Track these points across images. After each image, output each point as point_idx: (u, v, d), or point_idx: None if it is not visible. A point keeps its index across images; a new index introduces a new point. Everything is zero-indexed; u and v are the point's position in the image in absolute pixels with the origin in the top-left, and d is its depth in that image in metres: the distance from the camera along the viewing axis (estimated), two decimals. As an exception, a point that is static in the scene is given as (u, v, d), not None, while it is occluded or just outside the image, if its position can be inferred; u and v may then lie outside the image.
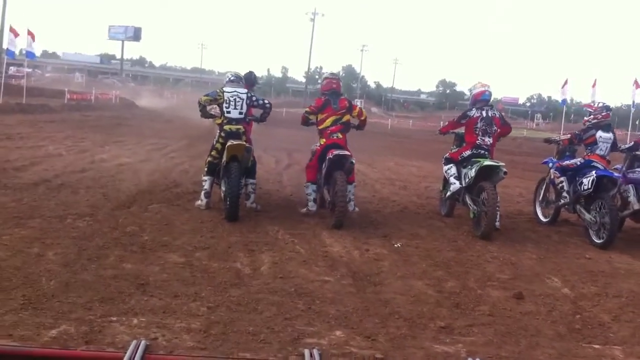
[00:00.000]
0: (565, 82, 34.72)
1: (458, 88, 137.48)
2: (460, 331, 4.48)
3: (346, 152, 7.80)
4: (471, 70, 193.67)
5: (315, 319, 4.47)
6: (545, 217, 9.15)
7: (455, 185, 8.13)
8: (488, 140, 8.14)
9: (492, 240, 7.49)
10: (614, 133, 8.44)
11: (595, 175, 7.83)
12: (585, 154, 8.39)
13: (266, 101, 8.31)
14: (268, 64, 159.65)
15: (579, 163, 8.33)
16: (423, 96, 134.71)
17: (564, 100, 36.79)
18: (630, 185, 8.08)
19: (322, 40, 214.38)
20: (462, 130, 8.55)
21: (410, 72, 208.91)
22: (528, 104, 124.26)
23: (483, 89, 8.49)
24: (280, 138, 21.96)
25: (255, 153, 8.40)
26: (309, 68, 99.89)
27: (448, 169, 8.33)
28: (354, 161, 7.91)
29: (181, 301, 4.58)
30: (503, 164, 7.84)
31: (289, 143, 20.26)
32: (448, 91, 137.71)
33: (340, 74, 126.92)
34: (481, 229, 7.61)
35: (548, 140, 9.17)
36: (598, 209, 7.76)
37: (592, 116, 8.53)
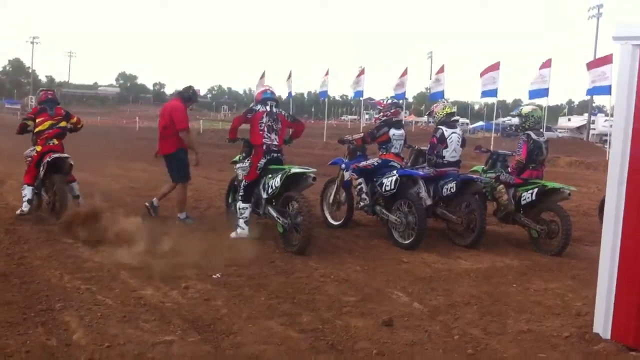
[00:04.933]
0: (290, 75, 36.07)
1: (139, 81, 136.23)
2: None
3: (64, 155, 8.46)
4: (151, 63, 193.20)
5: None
6: (335, 220, 9.05)
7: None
8: (275, 137, 7.68)
9: (308, 255, 7.07)
10: (405, 130, 8.64)
11: (397, 174, 7.90)
12: (380, 153, 8.44)
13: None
14: None
15: (376, 163, 8.34)
16: (102, 88, 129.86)
17: (290, 93, 38.23)
18: (420, 182, 8.35)
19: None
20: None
21: (87, 65, 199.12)
22: (209, 95, 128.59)
23: (264, 88, 8.16)
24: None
25: None
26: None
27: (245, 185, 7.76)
28: (72, 162, 8.56)
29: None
30: (313, 169, 7.46)
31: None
32: (129, 84, 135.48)
33: (7, 68, 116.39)
34: (295, 244, 7.13)
35: (341, 141, 9.05)
36: (401, 209, 7.86)
37: (381, 113, 8.63)
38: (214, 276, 6.07)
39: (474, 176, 8.81)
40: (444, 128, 8.64)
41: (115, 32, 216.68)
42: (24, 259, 6.38)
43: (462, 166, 8.95)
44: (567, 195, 8.14)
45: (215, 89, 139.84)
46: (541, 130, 8.99)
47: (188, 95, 9.13)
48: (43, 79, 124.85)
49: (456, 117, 9.09)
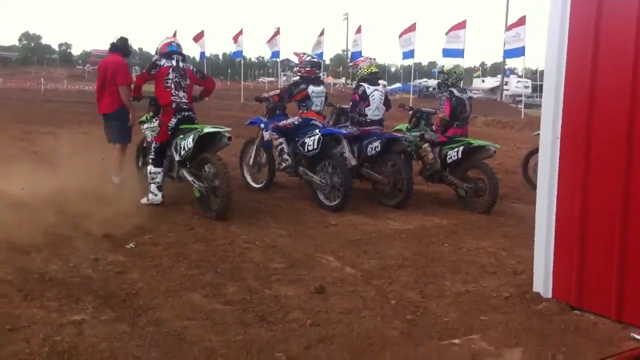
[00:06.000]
0: (202, 34, 34.79)
1: (44, 41, 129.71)
2: (300, 356, 3.60)
3: None
4: (57, 22, 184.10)
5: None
6: (256, 183, 8.65)
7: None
8: (183, 94, 7.13)
9: (229, 220, 6.65)
10: (325, 86, 8.27)
11: (319, 134, 7.56)
12: (300, 111, 8.05)
13: None
14: None
15: (297, 122, 7.95)
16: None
17: (203, 53, 36.94)
18: (344, 141, 8.05)
19: None
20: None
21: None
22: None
23: (168, 40, 7.48)
24: None
25: None
26: None
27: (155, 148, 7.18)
28: None
29: None
30: (227, 128, 6.98)
31: None
32: (33, 44, 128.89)
33: None
34: (214, 209, 6.69)
35: (258, 98, 8.57)
36: (326, 170, 7.54)
37: (297, 69, 8.22)
38: (127, 246, 5.57)
39: (399, 135, 8.58)
40: (365, 85, 8.34)
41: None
42: None
43: (385, 127, 8.71)
44: (493, 152, 8.06)
45: (130, 49, 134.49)
46: (464, 87, 8.84)
47: (126, 48, 8.35)
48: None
49: (379, 76, 8.78)
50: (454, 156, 8.08)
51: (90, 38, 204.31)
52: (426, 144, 8.34)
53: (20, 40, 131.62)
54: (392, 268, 5.38)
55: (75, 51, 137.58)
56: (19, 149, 11.70)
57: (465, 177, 8.06)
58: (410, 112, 9.03)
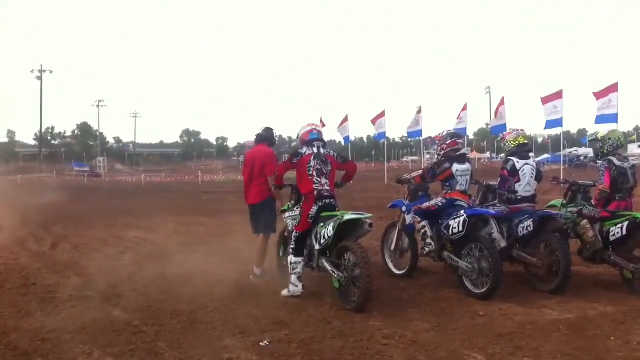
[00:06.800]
0: (346, 119, 35.61)
1: (203, 136, 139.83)
2: None
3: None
4: (214, 118, 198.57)
5: None
6: (399, 269, 8.22)
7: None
8: (325, 182, 6.96)
9: (369, 312, 6.25)
10: (470, 163, 7.81)
11: (465, 215, 7.06)
12: (444, 192, 7.61)
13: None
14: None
15: (440, 203, 7.51)
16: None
17: (347, 138, 37.70)
18: (492, 221, 7.45)
19: (52, 99, 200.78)
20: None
21: (150, 124, 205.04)
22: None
23: (310, 128, 7.37)
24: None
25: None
26: (40, 129, 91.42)
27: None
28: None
29: None
30: (369, 215, 6.70)
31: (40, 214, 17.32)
32: (193, 140, 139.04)
33: (76, 132, 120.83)
34: (353, 300, 6.34)
35: (399, 180, 8.27)
36: (472, 254, 6.98)
37: (439, 147, 7.84)
38: (261, 344, 5.33)
39: (553, 212, 7.83)
40: (515, 159, 7.75)
41: (177, 92, 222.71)
42: None
43: (538, 201, 7.99)
44: None
45: (276, 139, 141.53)
46: (624, 155, 7.95)
47: (272, 138, 8.52)
48: (111, 140, 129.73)
49: (529, 148, 8.14)
50: (618, 233, 7.18)
51: (244, 131, 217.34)
52: (585, 221, 7.52)
53: (181, 137, 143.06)
54: (554, 371, 4.69)
55: (231, 144, 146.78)
56: (172, 241, 12.14)
57: (632, 256, 7.11)
58: (566, 186, 8.26)
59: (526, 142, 8.06)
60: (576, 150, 66.53)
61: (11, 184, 30.67)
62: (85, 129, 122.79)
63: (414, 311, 6.38)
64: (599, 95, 24.79)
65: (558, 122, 26.38)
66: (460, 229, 7.04)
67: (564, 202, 8.16)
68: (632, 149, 61.94)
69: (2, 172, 44.57)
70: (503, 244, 7.45)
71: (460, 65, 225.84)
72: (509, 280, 7.39)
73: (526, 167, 7.75)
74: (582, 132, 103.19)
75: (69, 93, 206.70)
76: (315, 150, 7.11)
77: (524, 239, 7.51)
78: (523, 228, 7.45)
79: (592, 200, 7.71)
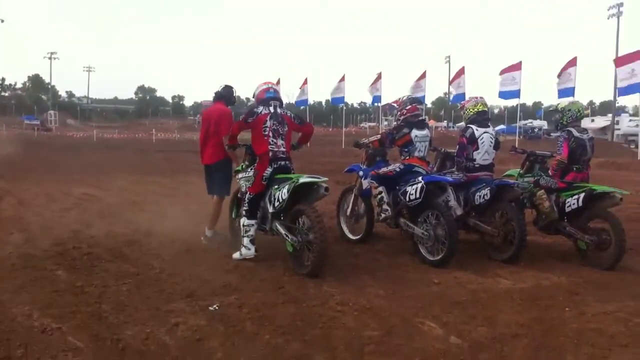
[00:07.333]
0: (305, 82, 35.18)
1: (159, 93, 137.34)
2: None
3: None
4: (170, 76, 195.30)
5: None
6: (354, 234, 8.08)
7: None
8: (281, 143, 6.72)
9: (323, 277, 6.09)
10: (429, 129, 7.64)
11: (423, 181, 6.92)
12: (402, 157, 7.44)
13: None
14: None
15: (398, 169, 7.35)
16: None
17: (306, 100, 37.24)
18: (449, 189, 7.34)
19: (3, 49, 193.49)
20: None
21: (105, 79, 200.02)
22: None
23: (266, 86, 7.08)
24: None
25: None
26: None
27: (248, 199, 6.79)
28: None
29: None
30: (325, 178, 6.49)
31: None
32: (148, 97, 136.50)
33: (27, 85, 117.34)
34: (307, 265, 6.17)
35: (357, 144, 8.06)
36: (429, 221, 6.87)
37: (398, 112, 7.64)
38: (210, 308, 5.11)
39: (510, 181, 7.76)
40: (474, 127, 7.63)
41: (132, 46, 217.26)
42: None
43: (495, 170, 7.91)
44: (619, 200, 7.09)
45: (235, 98, 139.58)
46: (583, 127, 7.89)
47: (231, 96, 8.14)
48: (63, 94, 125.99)
49: (488, 117, 8.01)
50: (574, 204, 7.17)
51: (201, 89, 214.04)
52: (541, 191, 7.48)
53: (136, 93, 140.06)
54: (505, 338, 4.63)
55: (187, 102, 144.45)
56: (121, 199, 11.80)
57: (587, 227, 7.11)
58: (524, 156, 8.20)
59: (485, 109, 7.93)
60: (531, 122, 67.53)
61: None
62: (36, 81, 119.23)
63: (368, 277, 6.25)
64: (561, 71, 24.98)
65: (515, 94, 26.61)
66: (418, 195, 6.90)
67: (521, 171, 8.13)
68: (586, 122, 63.25)
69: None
70: (459, 211, 7.37)
71: (420, 33, 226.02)
72: (464, 249, 7.36)
73: (485, 136, 7.64)
74: (538, 105, 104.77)
75: (20, 43, 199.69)
76: (271, 109, 6.82)
77: (480, 207, 7.44)
78: (480, 196, 7.37)
79: (549, 171, 7.66)
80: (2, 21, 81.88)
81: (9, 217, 9.41)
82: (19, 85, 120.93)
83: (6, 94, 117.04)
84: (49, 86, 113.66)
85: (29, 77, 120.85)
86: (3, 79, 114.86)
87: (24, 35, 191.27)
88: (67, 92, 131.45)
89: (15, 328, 4.51)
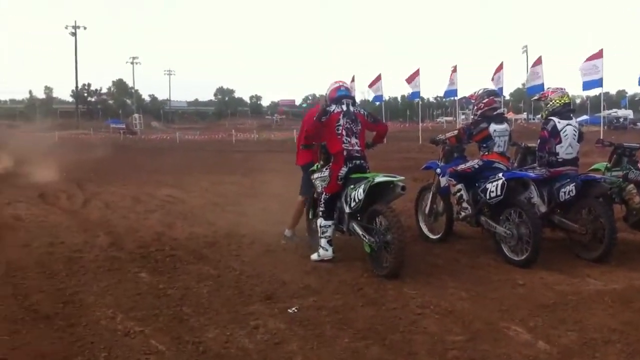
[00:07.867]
0: (379, 78, 34.94)
1: (237, 94, 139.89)
2: None
3: None
4: (248, 76, 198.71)
5: None
6: (433, 233, 7.88)
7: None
8: (355, 141, 6.61)
9: (402, 279, 5.94)
10: (508, 123, 7.36)
11: (503, 178, 6.66)
12: (481, 153, 7.20)
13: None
14: (29, 86, 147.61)
15: (477, 166, 7.11)
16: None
17: (381, 97, 36.98)
18: (532, 185, 7.03)
19: (87, 56, 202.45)
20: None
21: (185, 82, 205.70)
22: (304, 105, 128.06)
23: (337, 85, 7.01)
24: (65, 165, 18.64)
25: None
26: (76, 86, 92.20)
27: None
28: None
29: None
30: (401, 177, 6.35)
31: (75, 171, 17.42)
32: (227, 98, 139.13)
33: (112, 89, 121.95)
34: (386, 266, 6.04)
35: (434, 141, 7.86)
36: (511, 219, 6.61)
37: (475, 107, 7.39)
38: (289, 310, 5.08)
39: (596, 176, 7.36)
40: (556, 119, 7.27)
41: (211, 49, 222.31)
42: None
43: (580, 164, 7.52)
44: None
45: (310, 97, 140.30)
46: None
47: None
48: (146, 98, 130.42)
49: (572, 108, 7.63)
50: (668, 199, 6.73)
51: (278, 89, 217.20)
52: (631, 185, 7.06)
53: (215, 95, 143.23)
54: (597, 344, 4.36)
55: (265, 102, 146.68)
56: (203, 200, 12.02)
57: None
58: (611, 148, 7.77)
59: (569, 101, 7.56)
60: (615, 112, 64.55)
61: (48, 142, 30.86)
62: (120, 86, 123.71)
63: (449, 279, 6.05)
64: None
65: (597, 83, 25.41)
66: (499, 192, 6.65)
67: (609, 165, 7.70)
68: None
69: (40, 128, 44.95)
70: (543, 209, 7.05)
71: (496, 24, 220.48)
72: (549, 247, 7.01)
73: (568, 128, 7.28)
74: (622, 94, 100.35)
75: (103, 50, 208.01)
76: (344, 107, 6.75)
77: (565, 204, 7.09)
78: (564, 192, 7.02)
79: (639, 164, 7.23)
80: (85, 28, 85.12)
81: (96, 220, 9.73)
82: (104, 90, 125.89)
83: (93, 99, 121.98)
84: (133, 90, 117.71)
85: (113, 82, 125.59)
86: (89, 85, 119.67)
87: (107, 40, 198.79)
88: (150, 95, 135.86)
89: (99, 331, 4.60)
